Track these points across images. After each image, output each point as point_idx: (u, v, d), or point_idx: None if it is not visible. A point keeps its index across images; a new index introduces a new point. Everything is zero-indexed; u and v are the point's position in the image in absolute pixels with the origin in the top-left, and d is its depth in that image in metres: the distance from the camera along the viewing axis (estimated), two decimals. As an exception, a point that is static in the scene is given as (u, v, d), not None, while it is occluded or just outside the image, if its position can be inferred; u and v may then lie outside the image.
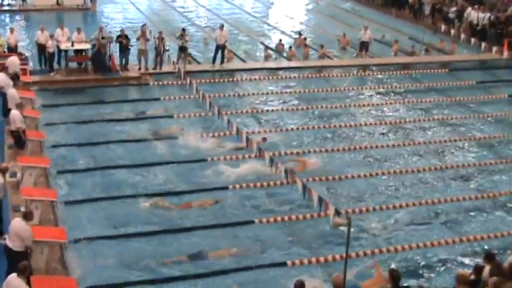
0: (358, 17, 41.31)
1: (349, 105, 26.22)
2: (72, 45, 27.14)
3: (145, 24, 29.18)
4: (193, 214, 17.28)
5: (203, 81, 27.49)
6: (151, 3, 44.97)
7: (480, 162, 21.48)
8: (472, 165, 21.22)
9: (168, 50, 28.83)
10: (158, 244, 15.78)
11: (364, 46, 32.59)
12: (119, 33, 28.08)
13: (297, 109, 25.41)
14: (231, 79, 28.61)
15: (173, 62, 28.18)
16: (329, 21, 41.37)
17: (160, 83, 27.36)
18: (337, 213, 14.87)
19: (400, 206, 18.13)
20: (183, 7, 44.05)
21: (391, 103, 26.82)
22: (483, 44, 33.85)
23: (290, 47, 32.77)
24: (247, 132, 21.14)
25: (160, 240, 15.94)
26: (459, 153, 22.31)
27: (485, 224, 17.69)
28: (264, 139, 21.35)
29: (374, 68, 31.30)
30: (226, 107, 24.57)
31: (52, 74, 26.96)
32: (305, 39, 34.03)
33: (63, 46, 27.17)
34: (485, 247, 15.83)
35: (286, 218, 17.06)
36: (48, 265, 14.21)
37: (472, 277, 12.24)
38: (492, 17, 35.70)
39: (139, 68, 28.07)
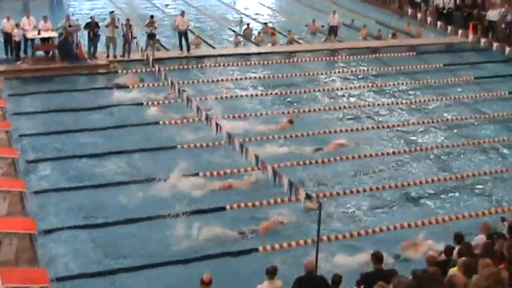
0: (327, 2, 41.18)
1: (319, 90, 26.12)
2: (39, 34, 26.73)
3: (113, 11, 28.87)
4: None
5: (172, 68, 27.27)
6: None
7: (448, 144, 21.54)
8: (440, 147, 21.27)
9: (136, 38, 28.53)
10: (131, 235, 15.61)
11: (333, 30, 32.56)
12: (89, 21, 27.70)
13: (266, 94, 25.28)
14: (199, 65, 28.40)
15: (141, 49, 27.90)
16: (297, 7, 41.21)
17: (129, 70, 27.07)
18: (308, 197, 14.81)
19: (370, 189, 18.13)
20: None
21: (360, 87, 26.81)
22: (449, 28, 33.93)
23: (259, 33, 32.62)
24: (216, 118, 20.99)
25: (133, 230, 15.79)
26: (427, 135, 22.37)
27: (454, 205, 17.78)
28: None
29: (343, 52, 31.25)
30: (196, 94, 24.37)
31: (18, 63, 26.58)
32: (273, 28, 33.86)
33: (29, 35, 26.71)
34: (454, 228, 15.86)
35: (257, 203, 17.00)
36: (17, 257, 13.99)
37: (442, 258, 12.26)
38: (458, 1, 35.83)
39: (108, 56, 27.77)
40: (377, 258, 11.68)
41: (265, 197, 17.17)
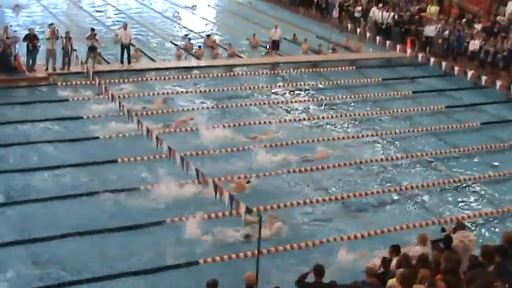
0: (267, 16, 41.44)
1: (259, 103, 26.23)
2: (-24, 46, 26.30)
3: (52, 24, 28.57)
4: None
5: (112, 81, 27.07)
6: (58, 2, 43.90)
7: (387, 157, 21.86)
8: (379, 160, 21.57)
9: (76, 50, 28.23)
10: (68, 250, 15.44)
11: (275, 45, 32.80)
12: (27, 32, 27.32)
13: (208, 108, 25.28)
14: (140, 78, 28.22)
15: (81, 62, 27.64)
16: (239, 21, 41.33)
17: (69, 83, 26.77)
18: (248, 211, 14.85)
19: (311, 202, 18.27)
20: (91, 6, 43.21)
21: (300, 101, 27.03)
22: (388, 43, 34.54)
23: (199, 47, 32.61)
24: (158, 132, 20.91)
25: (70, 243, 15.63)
26: (366, 148, 22.65)
27: (393, 216, 18.06)
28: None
29: (284, 66, 31.47)
30: (136, 107, 24.22)
31: (-45, 75, 26.08)
32: (214, 41, 33.92)
33: (-34, 47, 26.25)
34: (394, 239, 16.10)
35: (198, 216, 16.95)
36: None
37: (381, 270, 12.43)
38: (396, 16, 36.47)
39: (47, 68, 27.42)
40: (318, 271, 11.78)
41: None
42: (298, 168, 20.30)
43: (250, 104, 25.92)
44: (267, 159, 20.74)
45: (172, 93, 26.77)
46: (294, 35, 36.19)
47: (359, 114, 25.78)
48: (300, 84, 29.06)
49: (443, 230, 14.09)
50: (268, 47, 33.40)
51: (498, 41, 31.01)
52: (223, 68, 30.47)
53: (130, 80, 27.81)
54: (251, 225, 16.03)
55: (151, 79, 28.38)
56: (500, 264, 10.71)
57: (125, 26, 29.59)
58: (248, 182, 19.16)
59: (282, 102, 26.69)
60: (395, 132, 24.07)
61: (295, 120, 24.71)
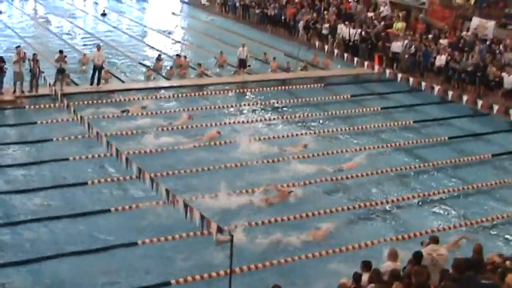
0: (236, 35, 41.58)
1: (229, 122, 26.23)
2: None
3: (19, 46, 28.41)
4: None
5: (81, 103, 26.93)
6: (25, 25, 43.67)
7: (357, 173, 21.91)
8: (349, 178, 21.57)
9: (43, 72, 28.05)
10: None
11: (242, 63, 32.89)
12: (-6, 56, 27.15)
13: (177, 128, 25.20)
14: (110, 100, 28.10)
15: (49, 84, 27.46)
16: (207, 40, 41.39)
17: (37, 106, 26.60)
18: (220, 230, 14.80)
19: (275, 221, 18.25)
20: (58, 28, 43.06)
21: (269, 118, 27.08)
22: (355, 59, 34.83)
23: (171, 67, 32.56)
24: (127, 153, 20.83)
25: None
26: (336, 164, 22.62)
27: (363, 232, 18.13)
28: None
29: (253, 85, 31.55)
30: (106, 129, 24.11)
31: None
32: (185, 57, 33.92)
33: None
34: (365, 256, 16.14)
35: (169, 237, 16.92)
36: None
37: (353, 286, 12.47)
38: (363, 33, 36.79)
39: (14, 91, 27.20)
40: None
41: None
42: (256, 187, 20.11)
43: (220, 124, 25.82)
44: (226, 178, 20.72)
45: (143, 114, 26.59)
46: (265, 53, 36.27)
47: (328, 131, 25.85)
48: (269, 103, 29.12)
49: (422, 243, 14.18)
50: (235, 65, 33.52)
51: (463, 56, 31.42)
52: (192, 88, 30.43)
53: (100, 101, 27.60)
54: (222, 245, 15.99)
55: (120, 100, 28.16)
56: (470, 278, 10.80)
57: (99, 47, 29.44)
58: (291, 191, 19.74)
59: (252, 121, 26.66)
60: (364, 148, 24.11)
61: (264, 138, 24.64)
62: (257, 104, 29.10)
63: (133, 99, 28.42)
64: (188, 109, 27.07)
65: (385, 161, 23.40)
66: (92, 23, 45.26)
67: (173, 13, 50.12)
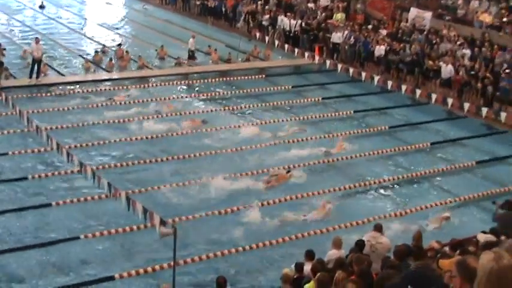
0: (178, 27, 41.35)
1: (172, 114, 26.08)
2: None
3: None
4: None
5: (20, 96, 26.47)
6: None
7: (299, 163, 21.99)
8: (292, 167, 21.63)
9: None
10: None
11: (191, 55, 32.80)
12: None
13: (119, 121, 25.00)
14: (49, 93, 27.70)
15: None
16: (146, 32, 41.01)
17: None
18: (163, 223, 14.78)
19: (225, 212, 18.33)
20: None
21: (211, 110, 27.01)
22: (296, 50, 34.98)
23: (110, 59, 32.27)
24: (69, 147, 20.61)
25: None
26: (276, 156, 22.61)
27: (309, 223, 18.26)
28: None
29: (194, 77, 31.47)
30: (45, 122, 23.78)
31: None
32: (127, 52, 33.63)
33: None
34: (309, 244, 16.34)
35: (113, 231, 16.82)
36: None
37: (296, 276, 12.59)
38: (303, 24, 36.98)
39: (-50, 86, 26.65)
40: (219, 284, 12.00)
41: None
42: (195, 180, 20.23)
43: (162, 116, 25.69)
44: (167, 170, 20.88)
45: (84, 107, 26.28)
46: (209, 46, 35.95)
47: (269, 122, 25.95)
48: (211, 94, 29.11)
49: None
50: (178, 57, 33.34)
51: (402, 46, 31.88)
52: (134, 80, 30.23)
53: (39, 94, 27.16)
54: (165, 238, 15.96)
55: (60, 93, 27.79)
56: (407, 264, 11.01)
57: (37, 40, 28.88)
58: (288, 171, 20.36)
59: (193, 112, 26.59)
60: (307, 139, 24.27)
61: (206, 130, 24.58)
62: (198, 95, 29.03)
63: (74, 92, 28.06)
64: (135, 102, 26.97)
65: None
66: (30, 16, 44.40)
67: (107, 3, 49.54)
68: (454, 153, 24.45)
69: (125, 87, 28.94)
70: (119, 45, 34.69)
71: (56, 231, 16.89)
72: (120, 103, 26.78)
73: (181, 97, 28.66)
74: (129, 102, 26.94)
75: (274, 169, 20.90)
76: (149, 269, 15.21)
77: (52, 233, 16.79)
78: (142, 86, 29.62)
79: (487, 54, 29.41)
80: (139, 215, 15.05)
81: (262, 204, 18.66)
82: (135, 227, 16.84)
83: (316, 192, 19.86)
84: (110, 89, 28.76)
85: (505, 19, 32.05)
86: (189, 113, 26.32)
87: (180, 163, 21.57)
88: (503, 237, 12.53)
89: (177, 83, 30.60)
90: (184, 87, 30.52)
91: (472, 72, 28.87)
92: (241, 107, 27.61)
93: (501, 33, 31.59)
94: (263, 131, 24.66)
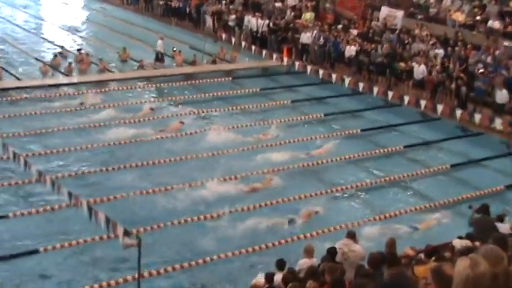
0: (140, 28, 41.19)
1: (134, 121, 25.91)
2: None
3: None
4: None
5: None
6: None
7: (268, 169, 21.93)
8: (260, 173, 21.64)
9: None
10: None
11: (159, 57, 32.65)
12: None
13: (79, 127, 24.80)
14: (4, 98, 27.42)
15: None
16: (107, 33, 40.79)
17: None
18: (127, 233, 14.71)
19: (192, 220, 18.27)
20: None
21: (176, 115, 26.85)
22: (264, 51, 35.01)
23: (70, 63, 32.02)
24: (26, 155, 20.43)
25: None
26: (246, 161, 22.61)
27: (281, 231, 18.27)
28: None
29: (159, 80, 31.36)
30: (1, 130, 23.56)
31: None
32: (87, 55, 33.38)
33: None
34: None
35: (74, 242, 16.67)
36: None
37: (266, 286, 12.60)
38: (271, 24, 37.04)
39: None
40: None
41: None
42: (171, 186, 20.19)
43: (124, 122, 25.54)
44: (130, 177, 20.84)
45: (41, 113, 26.04)
46: (174, 48, 35.74)
47: (237, 126, 25.88)
48: (175, 98, 29.03)
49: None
50: (141, 59, 33.23)
51: (373, 47, 32.07)
52: (93, 84, 30.02)
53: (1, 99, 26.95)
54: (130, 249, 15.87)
55: (16, 98, 27.54)
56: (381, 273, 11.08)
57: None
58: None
59: (157, 117, 26.46)
60: (276, 144, 24.21)
61: (172, 136, 24.50)
62: (163, 100, 28.93)
63: (30, 97, 27.80)
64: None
65: (295, 155, 23.57)
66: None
67: (64, 3, 49.24)
68: (428, 156, 24.61)
69: (87, 91, 28.68)
70: (79, 50, 34.42)
71: (13, 244, 16.67)
72: (81, 108, 26.56)
73: (145, 102, 28.45)
74: (90, 108, 26.72)
75: (252, 173, 21.08)
76: (112, 282, 15.10)
77: (9, 246, 16.57)
78: (103, 90, 29.40)
79: (461, 54, 29.71)
80: (102, 225, 14.95)
81: (231, 212, 18.64)
82: (97, 238, 16.72)
83: (288, 198, 19.89)
84: (70, 94, 28.53)
85: (478, 17, 32.43)
86: (153, 119, 26.20)
87: (144, 170, 21.46)
88: (478, 243, 12.65)
89: (140, 86, 30.47)
90: (148, 91, 30.39)
91: (445, 74, 29.10)
92: (207, 111, 27.52)
93: (474, 32, 31.97)
94: (231, 135, 24.64)
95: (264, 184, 20.83)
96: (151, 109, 26.69)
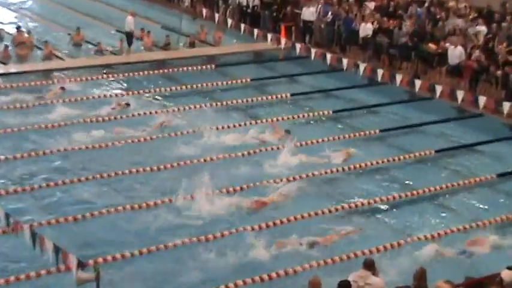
0: (97, 3, 41.12)
1: (90, 121, 25.85)
2: None
3: None
4: None
5: None
6: None
7: (256, 172, 22.21)
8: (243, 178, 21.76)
9: None
10: None
11: (129, 38, 32.96)
12: None
13: (21, 129, 24.66)
14: None
15: None
16: (56, 9, 40.72)
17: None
18: (81, 265, 14.57)
19: (166, 247, 18.21)
20: None
21: (144, 113, 26.65)
22: (256, 31, 34.88)
23: (6, 46, 31.94)
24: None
25: None
26: (233, 171, 22.45)
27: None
28: None
29: (121, 68, 31.34)
30: None
31: None
32: (29, 33, 33.29)
33: None
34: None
35: (12, 278, 16.57)
36: None
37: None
38: (265, -3, 37.08)
39: None
40: None
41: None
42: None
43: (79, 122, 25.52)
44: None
45: None
46: (142, 29, 35.52)
47: (222, 128, 25.73)
48: (144, 91, 28.97)
49: None
50: (99, 42, 33.21)
51: (395, 24, 32.00)
52: (38, 74, 29.93)
53: None
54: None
55: None
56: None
57: None
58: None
59: (121, 117, 26.43)
60: (272, 149, 24.15)
61: (135, 141, 24.46)
62: (127, 93, 28.82)
63: None
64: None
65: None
66: None
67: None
68: (469, 163, 24.57)
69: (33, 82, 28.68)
70: (18, 28, 34.30)
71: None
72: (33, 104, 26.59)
73: (103, 96, 28.35)
74: (33, 105, 26.67)
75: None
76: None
77: None
78: (48, 81, 29.31)
79: (510, 32, 29.63)
80: (50, 255, 14.85)
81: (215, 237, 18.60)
82: (43, 272, 16.59)
83: (290, 217, 19.89)
84: (7, 87, 28.46)
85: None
86: (116, 118, 26.13)
87: (105, 184, 21.39)
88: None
89: (97, 77, 30.38)
90: (107, 82, 30.30)
91: (488, 58, 28.99)
92: (184, 109, 27.39)
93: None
94: (215, 139, 24.63)
95: (261, 202, 20.82)
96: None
